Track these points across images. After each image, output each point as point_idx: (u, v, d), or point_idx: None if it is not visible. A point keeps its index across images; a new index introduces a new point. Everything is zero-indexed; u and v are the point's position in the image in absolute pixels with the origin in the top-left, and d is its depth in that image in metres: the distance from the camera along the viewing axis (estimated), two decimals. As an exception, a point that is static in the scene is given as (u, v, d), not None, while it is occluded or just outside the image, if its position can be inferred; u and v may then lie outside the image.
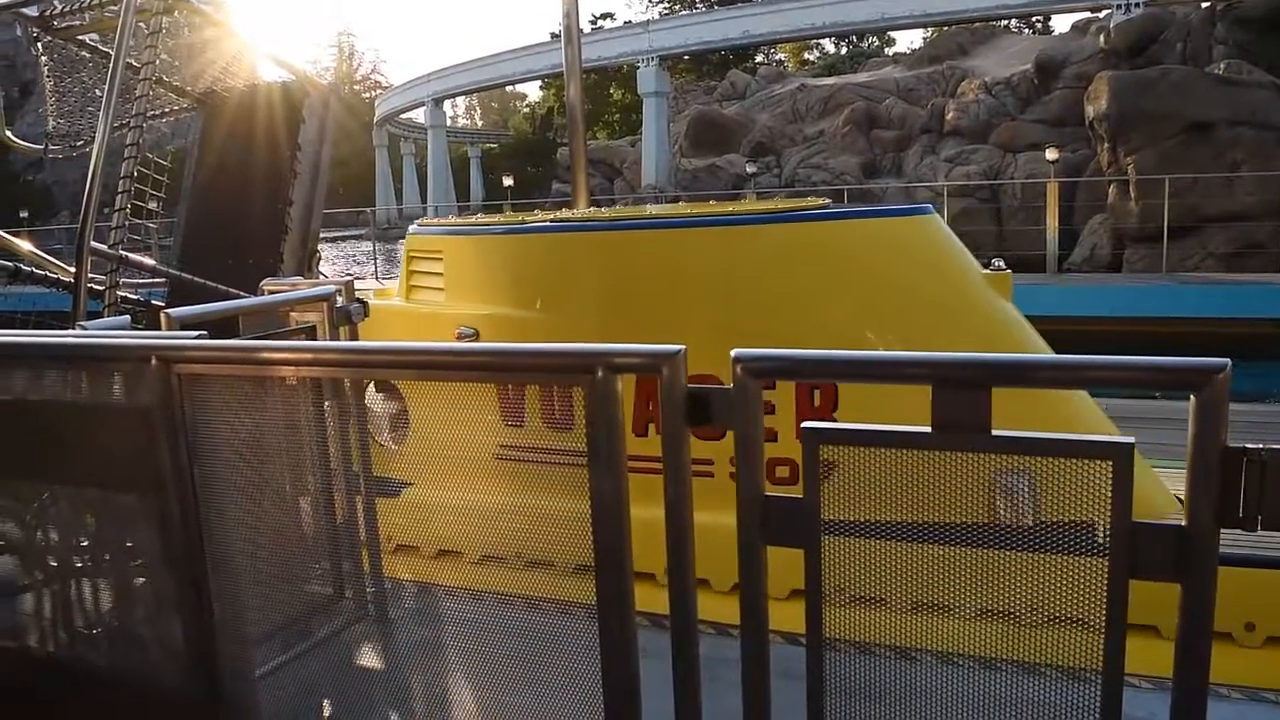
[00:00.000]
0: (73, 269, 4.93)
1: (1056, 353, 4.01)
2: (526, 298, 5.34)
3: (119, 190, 4.99)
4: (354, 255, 48.79)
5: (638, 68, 41.85)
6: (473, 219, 6.27)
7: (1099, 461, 1.69)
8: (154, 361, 2.55)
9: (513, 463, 3.05)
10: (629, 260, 5.20)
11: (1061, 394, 4.81)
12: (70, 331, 3.75)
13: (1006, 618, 1.85)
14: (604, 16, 68.25)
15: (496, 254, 5.57)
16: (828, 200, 6.22)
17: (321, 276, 5.47)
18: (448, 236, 5.69)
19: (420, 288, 5.73)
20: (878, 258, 5.31)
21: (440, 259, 5.55)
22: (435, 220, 6.31)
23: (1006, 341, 5.28)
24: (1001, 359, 1.81)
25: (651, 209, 6.49)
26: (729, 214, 5.52)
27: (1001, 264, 5.54)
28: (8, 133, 6.95)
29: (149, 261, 5.59)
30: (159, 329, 3.49)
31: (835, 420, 4.33)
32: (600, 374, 1.99)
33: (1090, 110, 25.76)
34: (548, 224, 5.56)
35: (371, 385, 4.04)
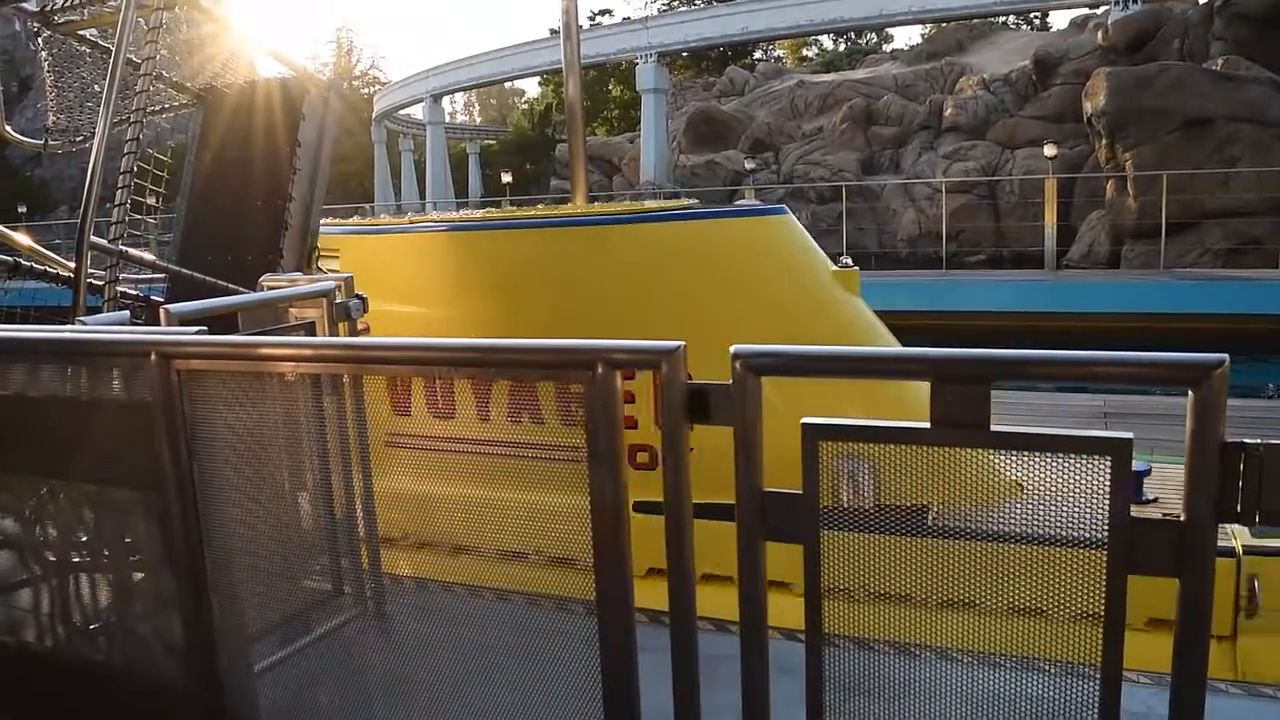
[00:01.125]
0: (72, 264, 4.92)
1: (904, 344, 4.29)
2: (411, 294, 5.75)
3: (118, 186, 4.98)
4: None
5: (636, 64, 41.76)
6: (371, 220, 6.74)
7: (1097, 457, 1.69)
8: (153, 357, 2.56)
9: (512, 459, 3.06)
10: (504, 259, 5.59)
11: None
12: (70, 327, 3.75)
13: (1005, 613, 1.85)
14: (602, 13, 68.10)
15: (383, 252, 6.03)
16: (695, 201, 6.82)
17: (320, 272, 5.46)
18: (343, 236, 6.13)
19: None
20: (734, 256, 5.65)
21: (338, 257, 5.92)
22: (336, 221, 6.70)
23: (853, 333, 5.62)
24: (1001, 355, 1.81)
25: (540, 209, 6.97)
26: (595, 215, 5.90)
27: (849, 261, 5.95)
28: (7, 127, 6.94)
29: (149, 257, 5.58)
30: (158, 324, 3.49)
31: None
32: (600, 370, 2.00)
33: (1088, 106, 25.76)
34: (429, 224, 5.95)
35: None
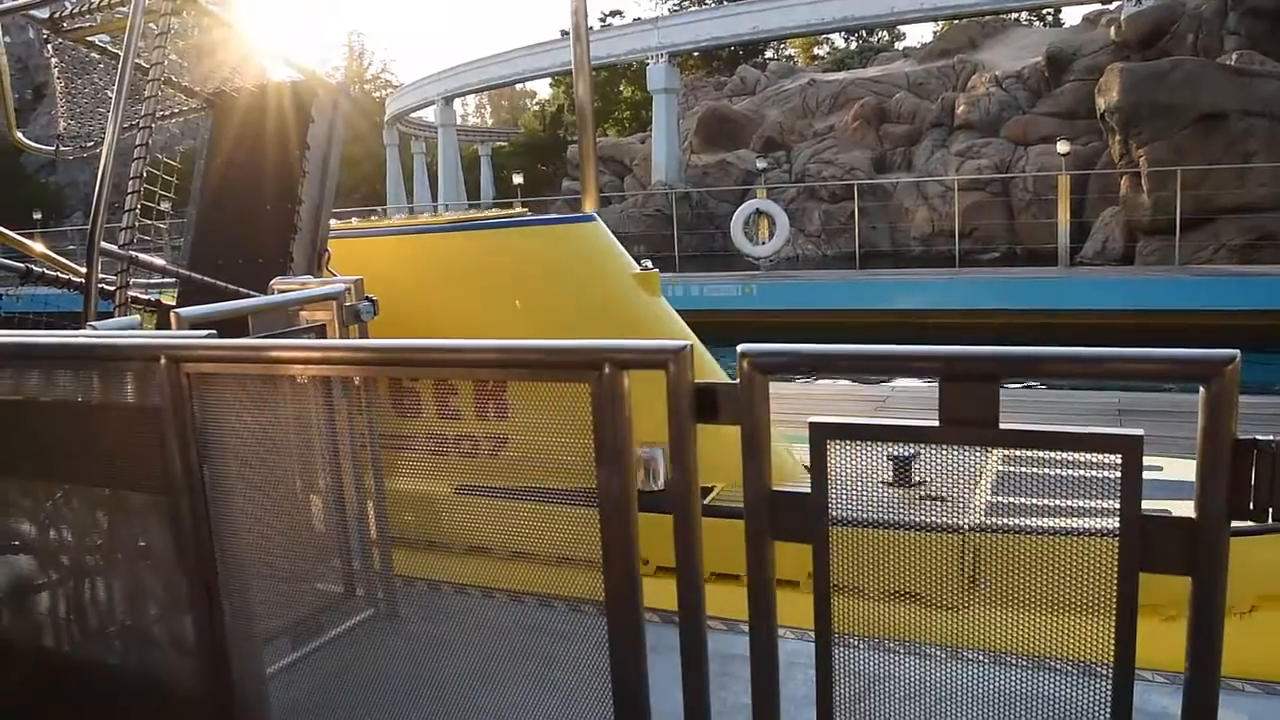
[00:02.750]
0: (84, 269, 4.94)
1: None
2: None
3: (129, 191, 5.00)
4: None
5: (647, 64, 41.77)
6: None
7: (1108, 454, 1.68)
8: (164, 361, 2.56)
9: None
10: (347, 265, 5.79)
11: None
12: (81, 331, 3.76)
13: (1016, 611, 1.84)
14: (613, 14, 68.21)
15: None
16: (525, 210, 7.76)
17: (331, 275, 5.47)
18: None
19: None
20: (548, 260, 6.23)
21: None
22: None
23: (653, 330, 6.16)
24: (1011, 352, 1.80)
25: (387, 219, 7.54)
26: (420, 225, 6.60)
27: (649, 264, 6.50)
28: (19, 134, 6.97)
29: (159, 262, 5.60)
30: (169, 329, 3.50)
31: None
32: (607, 370, 1.99)
33: (1102, 102, 25.65)
34: None
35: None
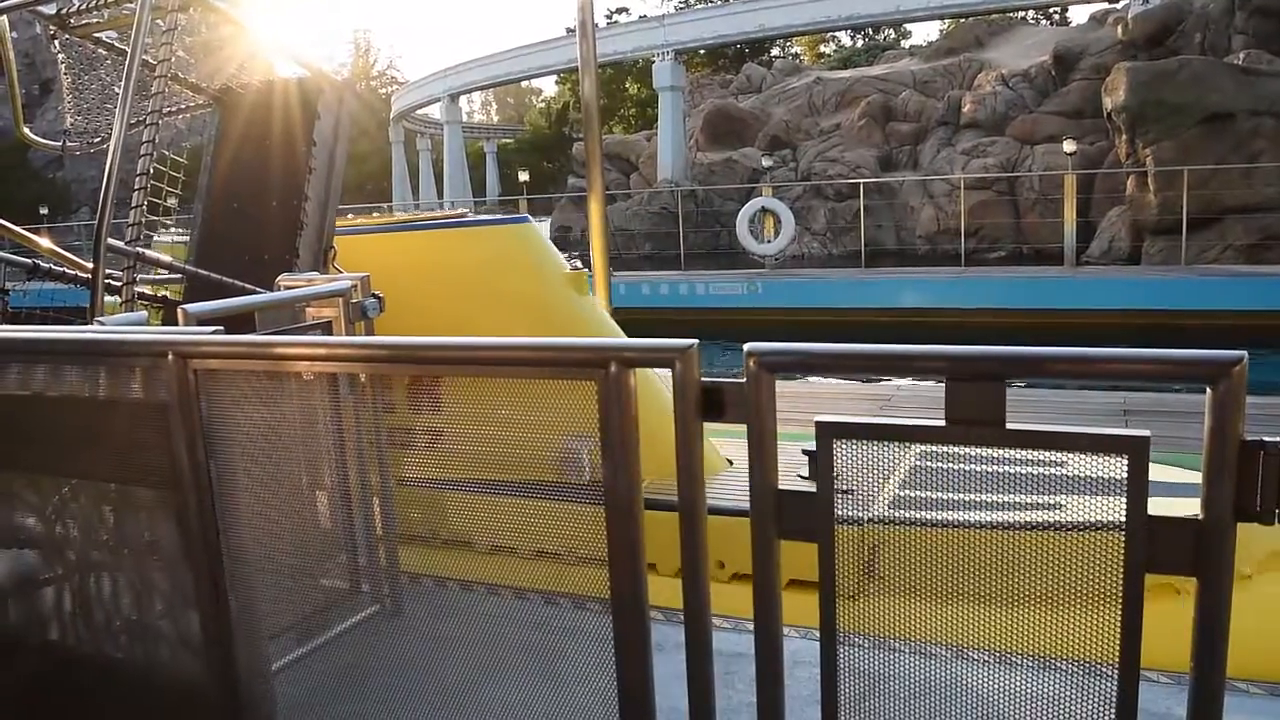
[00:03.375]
0: (90, 265, 4.96)
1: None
2: None
3: (136, 187, 5.01)
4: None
5: (653, 62, 41.75)
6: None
7: (1114, 455, 1.68)
8: (171, 357, 2.57)
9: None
10: None
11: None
12: (88, 327, 3.77)
13: (1022, 611, 1.84)
14: (619, 11, 68.16)
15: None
16: (465, 211, 8.28)
17: (337, 272, 5.48)
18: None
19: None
20: (483, 260, 6.52)
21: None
22: None
23: (585, 327, 6.49)
24: (1016, 352, 1.80)
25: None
26: (355, 227, 6.82)
27: (579, 264, 6.87)
28: (27, 130, 6.99)
29: (166, 258, 5.61)
30: (175, 325, 3.51)
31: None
32: (613, 369, 1.99)
33: (1108, 102, 25.58)
34: None
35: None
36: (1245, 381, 1.59)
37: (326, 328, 4.01)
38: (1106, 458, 1.69)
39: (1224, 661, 1.69)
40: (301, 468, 3.17)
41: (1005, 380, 1.75)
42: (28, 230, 6.12)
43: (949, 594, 1.92)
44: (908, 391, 10.55)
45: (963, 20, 41.30)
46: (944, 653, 2.03)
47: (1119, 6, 34.10)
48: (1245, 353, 1.58)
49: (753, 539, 1.97)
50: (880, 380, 11.17)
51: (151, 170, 5.06)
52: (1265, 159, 22.94)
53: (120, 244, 4.98)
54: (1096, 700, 1.78)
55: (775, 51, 60.97)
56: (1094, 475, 1.71)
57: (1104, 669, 1.75)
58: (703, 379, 1.96)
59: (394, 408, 3.27)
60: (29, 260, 5.59)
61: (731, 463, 5.87)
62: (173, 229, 6.46)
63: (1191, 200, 20.97)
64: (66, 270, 5.61)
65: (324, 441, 3.26)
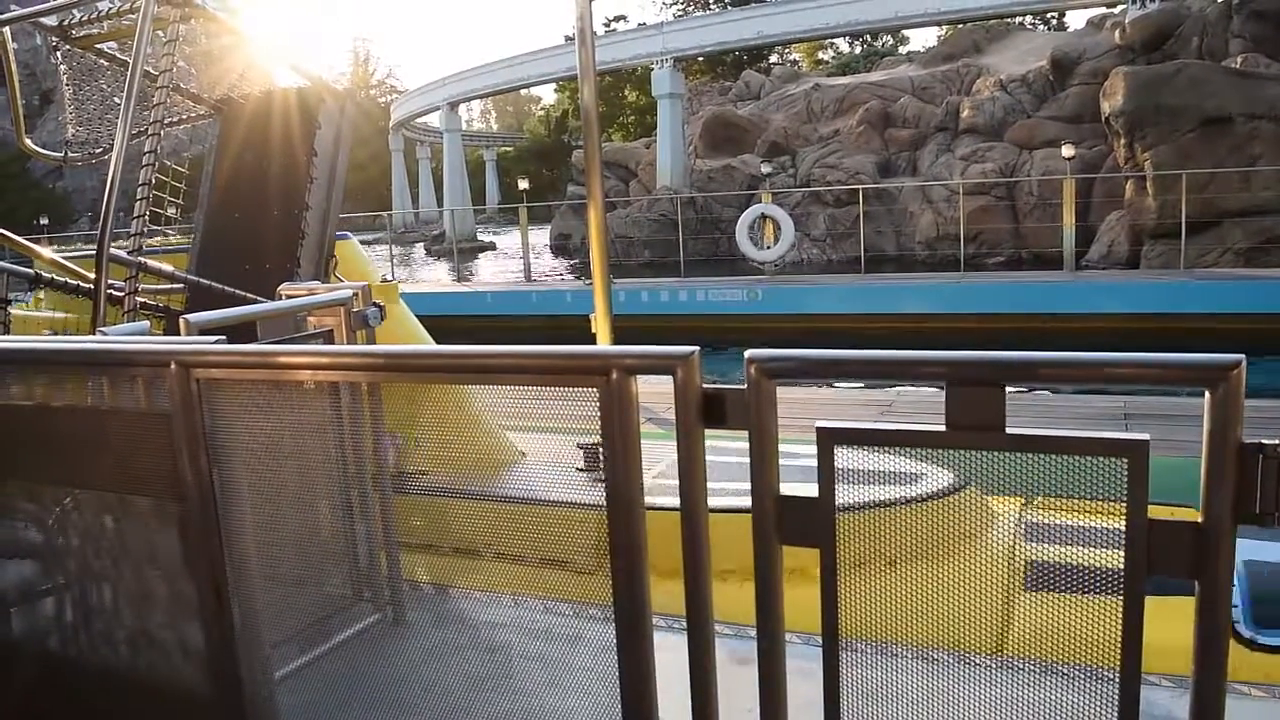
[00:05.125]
0: (92, 275, 4.97)
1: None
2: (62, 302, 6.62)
3: (137, 197, 5.03)
4: (371, 259, 48.95)
5: (652, 69, 41.85)
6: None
7: (1114, 459, 1.69)
8: (173, 367, 2.58)
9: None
10: None
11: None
12: (90, 337, 3.78)
13: (1021, 616, 1.85)
14: (618, 19, 68.40)
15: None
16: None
17: (338, 281, 5.50)
18: None
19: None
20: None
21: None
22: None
23: (394, 337, 6.59)
24: (1016, 357, 1.81)
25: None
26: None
27: (389, 276, 7.49)
28: (28, 140, 7.02)
29: (167, 267, 5.63)
30: (178, 334, 3.52)
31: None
32: (614, 376, 2.00)
33: (1106, 106, 25.65)
34: None
35: None
36: (1244, 385, 1.60)
37: (328, 337, 4.02)
38: (1107, 461, 1.70)
39: (1224, 664, 1.70)
40: (305, 476, 3.18)
41: (1005, 385, 1.76)
42: (28, 240, 6.12)
43: (952, 602, 1.92)
44: (908, 397, 10.56)
45: (961, 26, 41.37)
46: (946, 658, 2.03)
47: (1116, 11, 34.17)
48: (1243, 356, 1.59)
49: (755, 545, 1.98)
50: (881, 385, 11.18)
51: (153, 180, 5.08)
52: (1263, 162, 22.99)
53: (123, 253, 5.00)
54: (1098, 704, 1.78)
55: (774, 58, 61.10)
56: (1093, 478, 1.72)
57: (1105, 672, 1.75)
58: (704, 386, 1.97)
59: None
60: (30, 270, 5.60)
61: (525, 455, 5.96)
62: (172, 236, 6.48)
63: (1190, 204, 21.01)
64: (68, 281, 5.62)
65: (326, 450, 3.27)
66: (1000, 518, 4.50)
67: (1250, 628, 4.39)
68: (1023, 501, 4.56)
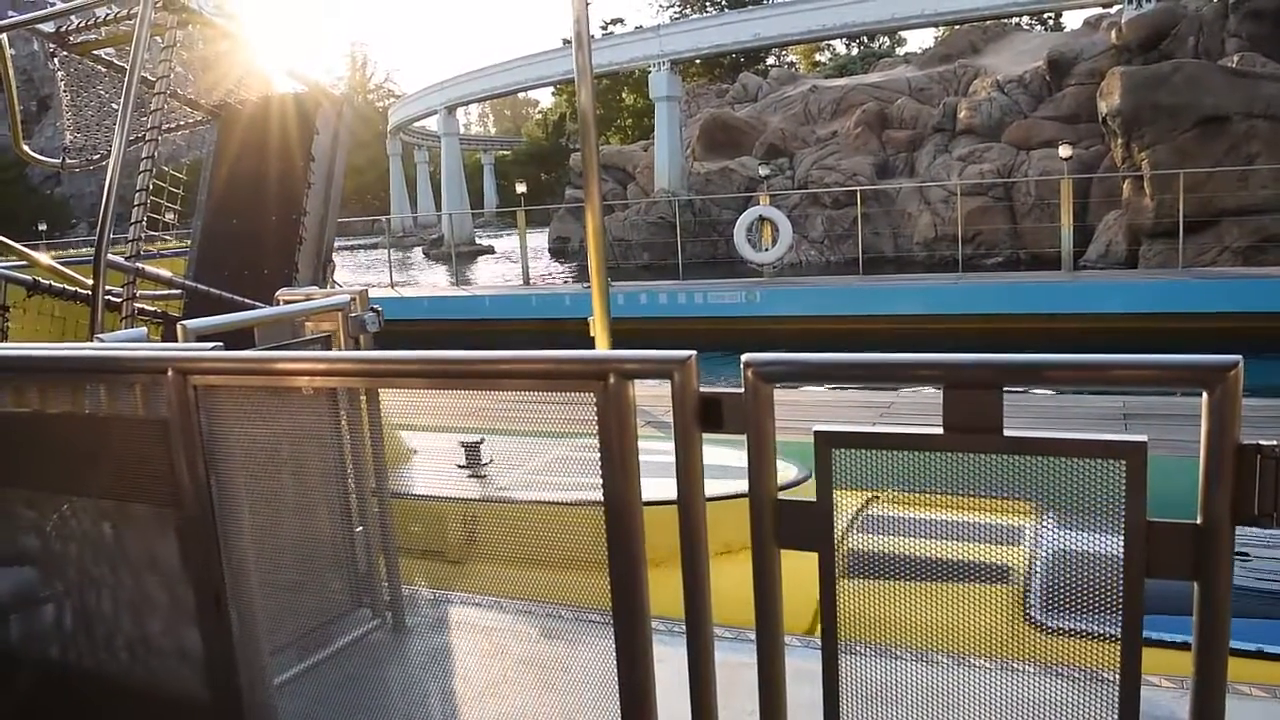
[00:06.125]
0: (90, 281, 4.97)
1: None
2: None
3: (135, 203, 5.03)
4: (368, 263, 49.08)
5: (649, 72, 41.88)
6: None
7: (1112, 461, 1.69)
8: (170, 373, 2.57)
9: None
10: None
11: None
12: (87, 344, 3.78)
13: (1021, 618, 1.85)
14: (614, 21, 68.43)
15: None
16: None
17: (336, 286, 5.50)
18: None
19: None
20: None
21: None
22: None
23: None
24: (1014, 359, 1.81)
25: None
26: None
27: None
28: (25, 146, 7.01)
29: (165, 273, 5.63)
30: (175, 340, 3.52)
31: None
32: (612, 380, 2.00)
33: (1103, 106, 25.68)
34: None
35: None
36: (1241, 385, 1.60)
37: (326, 342, 4.01)
38: (1105, 463, 1.70)
39: (1224, 664, 1.70)
40: (303, 482, 3.18)
41: (1002, 387, 1.76)
42: (25, 247, 6.13)
43: (952, 604, 1.92)
44: (907, 399, 10.56)
45: (957, 27, 41.42)
46: (946, 661, 2.03)
47: (1113, 11, 34.21)
48: (1240, 357, 1.59)
49: (753, 549, 1.98)
50: (880, 388, 11.18)
51: (151, 186, 5.08)
52: (1260, 161, 23.02)
53: (120, 260, 5.00)
54: (1099, 705, 1.78)
55: (771, 60, 61.16)
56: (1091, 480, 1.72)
57: (1106, 674, 1.75)
58: (701, 390, 1.97)
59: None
60: (28, 278, 5.60)
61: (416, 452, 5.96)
62: (170, 240, 6.49)
63: (1187, 203, 21.02)
64: (66, 287, 5.62)
65: (325, 456, 3.27)
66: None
67: (1041, 613, 4.43)
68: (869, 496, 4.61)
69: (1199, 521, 1.66)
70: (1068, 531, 1.82)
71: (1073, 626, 1.81)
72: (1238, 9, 28.14)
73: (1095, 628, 1.76)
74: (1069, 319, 18.15)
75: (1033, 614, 4.01)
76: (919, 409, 9.92)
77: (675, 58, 41.71)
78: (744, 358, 1.93)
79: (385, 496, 3.53)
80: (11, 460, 3.14)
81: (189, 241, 6.18)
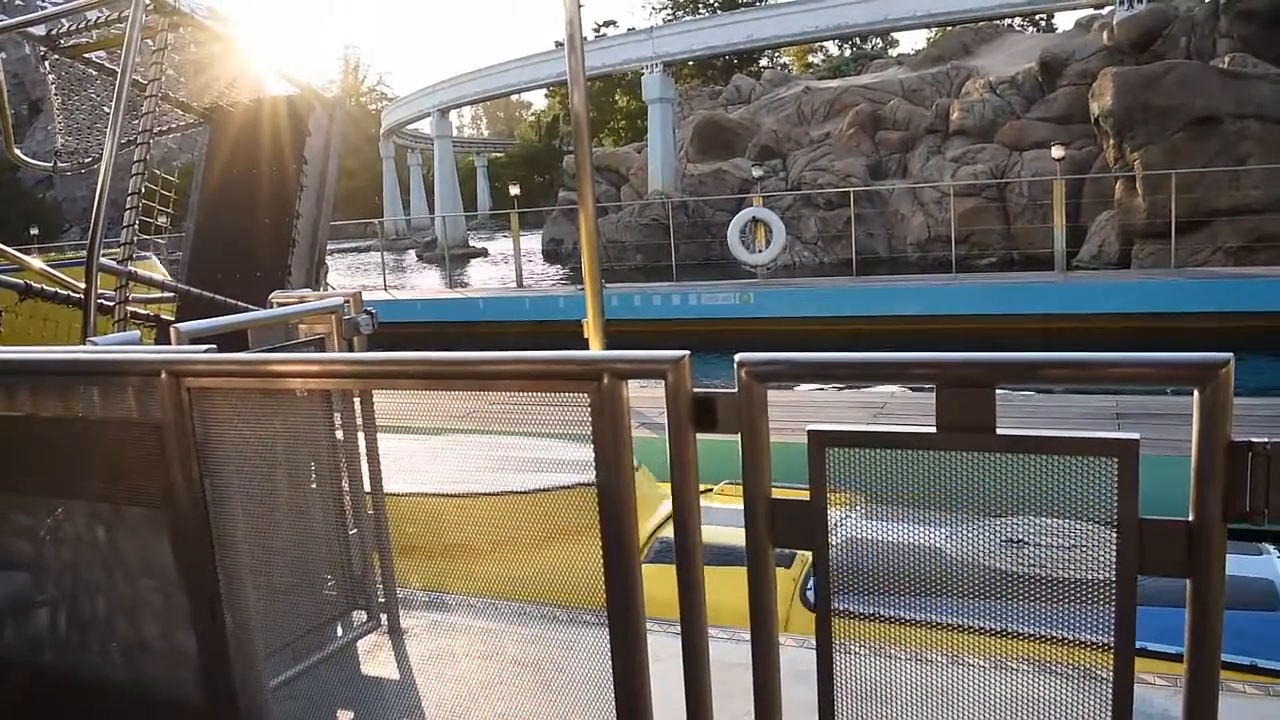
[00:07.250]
0: (82, 285, 4.96)
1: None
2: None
3: (127, 206, 5.02)
4: (362, 266, 49.05)
5: (642, 74, 41.90)
6: None
7: (1105, 459, 1.69)
8: (164, 376, 2.57)
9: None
10: None
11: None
12: (80, 347, 3.77)
13: (1016, 617, 1.85)
14: (607, 24, 68.43)
15: None
16: None
17: (330, 289, 5.49)
18: None
19: None
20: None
21: None
22: None
23: None
24: (1006, 358, 1.81)
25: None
26: None
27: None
28: (17, 150, 7.00)
29: (158, 276, 5.62)
30: (169, 343, 3.51)
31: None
32: (605, 381, 2.00)
33: (1095, 107, 25.74)
34: None
35: None
36: (1232, 383, 1.61)
37: (319, 344, 4.01)
38: (1097, 460, 1.70)
39: (1218, 661, 1.70)
40: (296, 484, 3.17)
41: (995, 386, 1.77)
42: (18, 251, 6.11)
43: (945, 603, 1.92)
44: (901, 398, 10.57)
45: (950, 28, 41.49)
46: (940, 659, 2.04)
47: (1104, 12, 34.28)
48: (1231, 355, 1.60)
49: (748, 548, 1.98)
50: (874, 387, 11.19)
51: (143, 189, 5.07)
52: (1252, 161, 23.08)
53: (113, 263, 4.99)
54: (1092, 701, 1.79)
55: (764, 62, 61.21)
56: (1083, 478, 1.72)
57: (1099, 670, 1.75)
58: (694, 390, 1.97)
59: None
60: (20, 281, 5.59)
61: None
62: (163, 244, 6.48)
63: (1180, 203, 21.07)
64: (59, 291, 5.60)
65: (319, 458, 3.27)
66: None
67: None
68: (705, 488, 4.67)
69: (1191, 519, 1.67)
70: (1062, 530, 1.82)
71: (1065, 626, 1.81)
72: (1229, 10, 28.23)
73: (1090, 627, 1.77)
74: (1062, 319, 18.18)
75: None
76: (913, 408, 9.93)
77: (668, 60, 41.77)
78: (738, 357, 1.94)
79: (379, 498, 3.53)
80: (5, 464, 3.13)
81: (181, 244, 6.17)
